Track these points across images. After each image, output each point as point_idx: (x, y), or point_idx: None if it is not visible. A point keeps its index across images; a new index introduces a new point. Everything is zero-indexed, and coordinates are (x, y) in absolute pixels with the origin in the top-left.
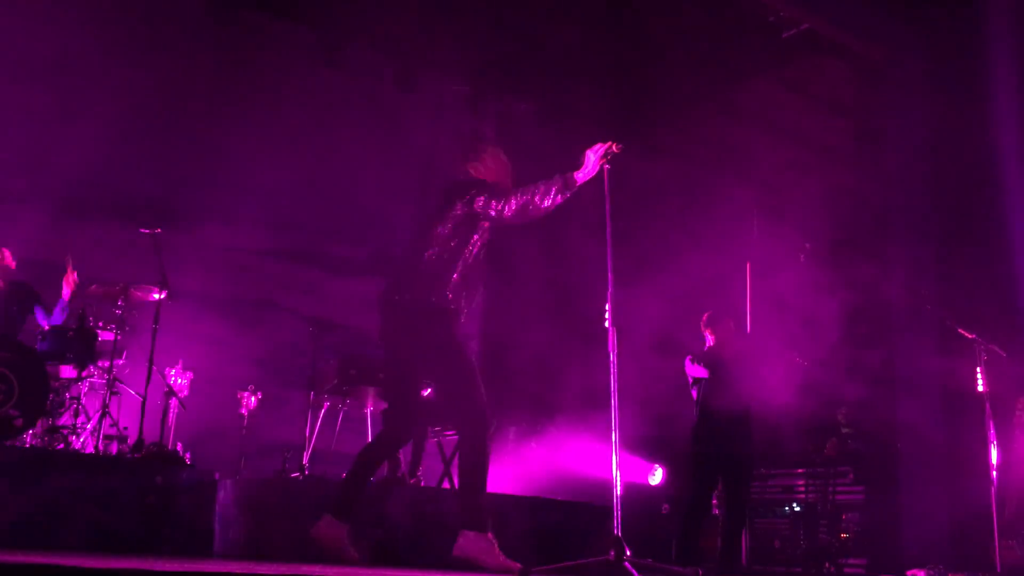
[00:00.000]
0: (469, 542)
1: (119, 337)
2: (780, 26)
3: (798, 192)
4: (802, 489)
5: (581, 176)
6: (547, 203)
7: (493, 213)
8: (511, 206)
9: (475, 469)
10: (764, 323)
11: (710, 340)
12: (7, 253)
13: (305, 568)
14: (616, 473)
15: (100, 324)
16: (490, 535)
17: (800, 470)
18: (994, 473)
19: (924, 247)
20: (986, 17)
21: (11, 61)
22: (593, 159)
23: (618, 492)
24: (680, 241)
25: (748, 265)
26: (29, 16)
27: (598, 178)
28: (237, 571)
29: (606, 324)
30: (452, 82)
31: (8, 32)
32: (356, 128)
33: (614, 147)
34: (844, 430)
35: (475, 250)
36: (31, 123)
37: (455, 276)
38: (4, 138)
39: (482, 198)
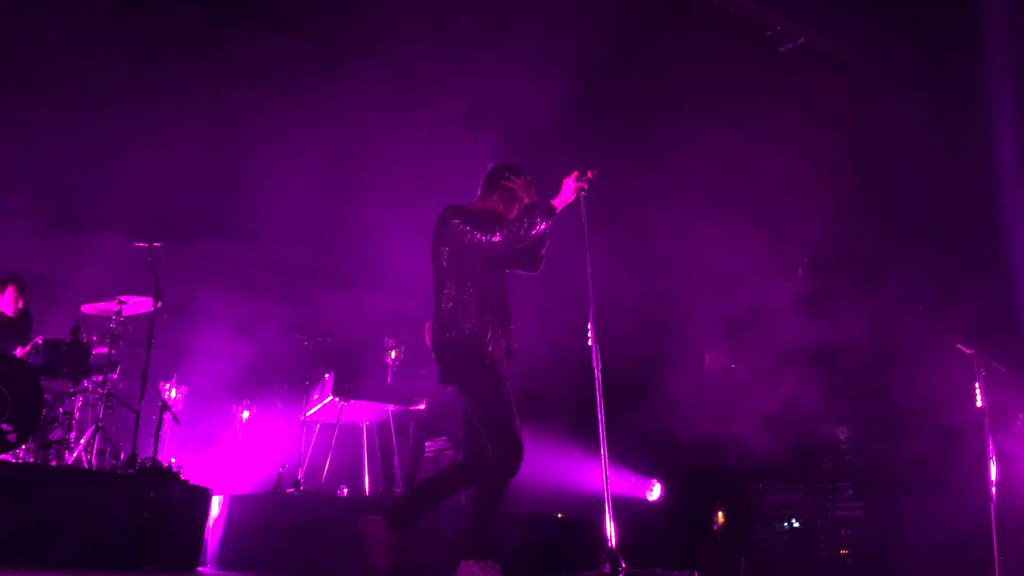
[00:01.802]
0: (470, 571)
1: (113, 351)
2: (778, 40)
3: (796, 206)
4: (801, 505)
5: (559, 203)
6: (533, 231)
7: (479, 243)
8: (497, 238)
9: (492, 499)
10: (760, 340)
11: (707, 362)
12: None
13: None
14: (607, 486)
15: (94, 338)
16: (490, 562)
17: (799, 485)
18: (993, 489)
19: (921, 261)
20: (984, 33)
21: (6, 73)
22: (569, 186)
23: (609, 505)
24: (678, 254)
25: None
26: (26, 28)
27: (576, 203)
28: None
29: (588, 343)
30: (450, 95)
31: (3, 43)
32: (354, 141)
33: (589, 174)
34: (843, 446)
35: (486, 281)
36: (26, 136)
37: (475, 310)
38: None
39: (466, 229)
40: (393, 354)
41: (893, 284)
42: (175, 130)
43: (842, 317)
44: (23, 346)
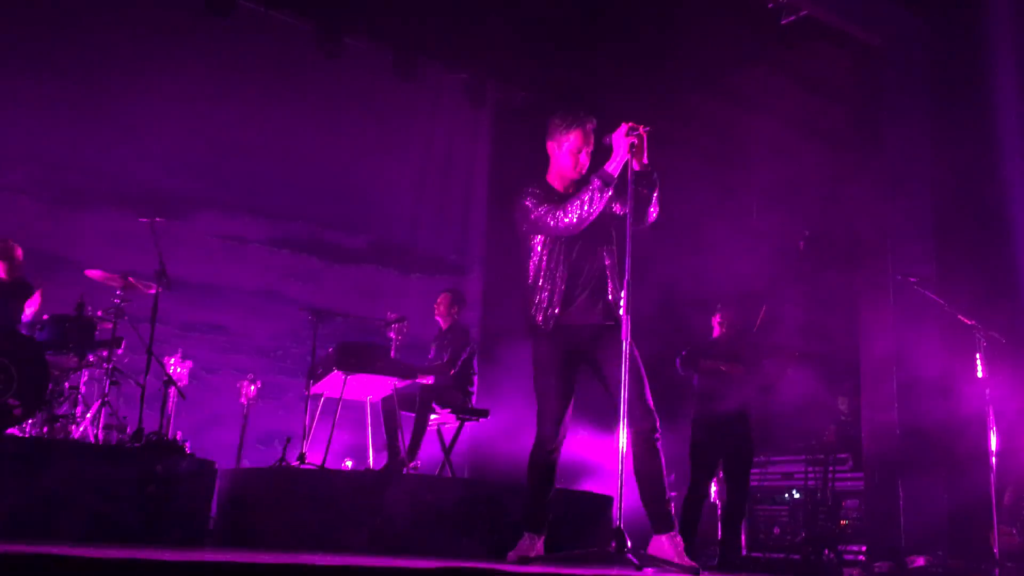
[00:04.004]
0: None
1: (118, 326)
2: (779, 12)
3: (797, 179)
4: (802, 476)
5: (613, 167)
6: (596, 205)
7: (551, 226)
8: (566, 219)
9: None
10: (765, 310)
11: (716, 328)
12: (19, 250)
13: (304, 557)
14: (621, 464)
15: (99, 313)
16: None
17: (800, 457)
18: (993, 460)
19: (923, 233)
20: (987, 3)
21: (7, 50)
22: (621, 142)
23: (622, 483)
24: (679, 227)
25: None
26: (25, 6)
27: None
28: (236, 560)
29: (620, 312)
30: (451, 70)
31: (4, 21)
32: (354, 116)
33: (641, 129)
34: (844, 417)
35: (545, 260)
36: (29, 112)
37: (538, 291)
38: (2, 127)
39: (539, 210)
40: (396, 328)
41: (895, 254)
42: (177, 106)
43: (843, 287)
44: (18, 310)
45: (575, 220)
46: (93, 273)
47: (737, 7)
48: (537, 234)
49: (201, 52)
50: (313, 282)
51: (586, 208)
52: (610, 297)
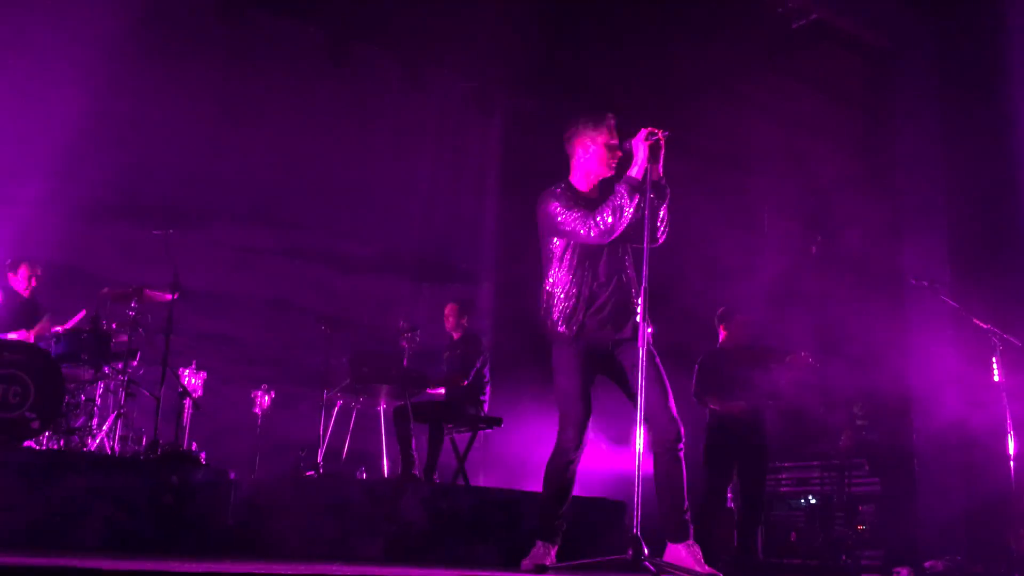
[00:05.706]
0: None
1: (133, 338)
2: (789, 17)
3: (809, 184)
4: (818, 481)
5: (637, 171)
6: (627, 212)
7: (582, 235)
8: (598, 228)
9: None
10: (777, 316)
11: (722, 335)
12: (39, 270)
13: (320, 566)
14: (639, 470)
15: (114, 326)
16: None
17: (815, 462)
18: (1011, 463)
19: (937, 237)
20: (999, 5)
21: (22, 67)
22: (641, 146)
23: (639, 489)
24: (688, 233)
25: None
26: (39, 20)
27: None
28: (253, 571)
29: (636, 319)
30: (460, 78)
31: (20, 37)
32: (364, 125)
33: (659, 133)
34: (859, 422)
35: (573, 266)
36: (44, 128)
37: (562, 299)
38: (20, 143)
39: (570, 216)
40: (408, 337)
41: (909, 259)
42: (187, 117)
43: (857, 292)
44: (28, 329)
45: (607, 228)
46: (106, 292)
47: (747, 12)
48: (562, 239)
49: (211, 62)
50: (326, 291)
51: (619, 215)
52: (633, 306)
